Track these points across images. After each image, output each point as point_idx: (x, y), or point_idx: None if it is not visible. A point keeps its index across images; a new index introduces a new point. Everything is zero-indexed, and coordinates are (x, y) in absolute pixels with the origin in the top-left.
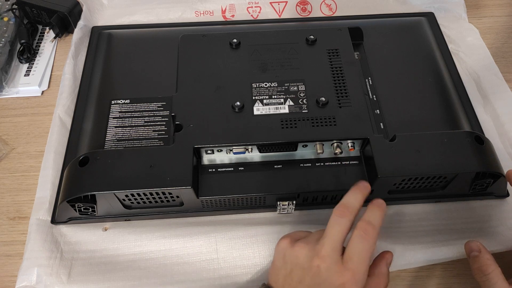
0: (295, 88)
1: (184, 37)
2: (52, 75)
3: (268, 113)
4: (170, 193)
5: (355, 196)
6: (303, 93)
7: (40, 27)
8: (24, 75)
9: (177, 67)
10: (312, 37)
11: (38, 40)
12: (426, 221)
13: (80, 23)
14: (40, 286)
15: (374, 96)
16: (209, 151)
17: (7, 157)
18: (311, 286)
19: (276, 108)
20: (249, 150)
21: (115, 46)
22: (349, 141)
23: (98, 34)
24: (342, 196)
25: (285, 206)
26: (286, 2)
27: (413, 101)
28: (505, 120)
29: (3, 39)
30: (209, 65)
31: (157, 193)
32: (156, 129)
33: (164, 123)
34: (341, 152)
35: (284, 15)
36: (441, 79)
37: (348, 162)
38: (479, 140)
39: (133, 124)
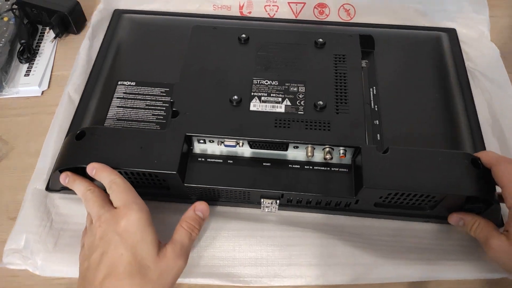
0: (295, 89)
1: (196, 28)
2: (52, 75)
3: (264, 110)
4: (156, 176)
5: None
6: (302, 94)
7: (40, 27)
8: (24, 75)
9: (184, 55)
10: (321, 40)
11: (38, 40)
12: (415, 238)
13: (100, 6)
14: (27, 252)
15: (376, 106)
16: (201, 141)
17: (7, 156)
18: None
19: (273, 107)
20: (240, 144)
21: (132, 29)
22: (341, 148)
23: (119, 17)
24: (327, 201)
25: (269, 205)
26: (304, 3)
27: (416, 115)
28: None
29: (3, 39)
30: (215, 57)
31: (144, 174)
32: (156, 113)
33: (164, 108)
34: (331, 158)
35: (301, 17)
36: (450, 96)
37: (337, 169)
38: (476, 164)
39: (135, 106)
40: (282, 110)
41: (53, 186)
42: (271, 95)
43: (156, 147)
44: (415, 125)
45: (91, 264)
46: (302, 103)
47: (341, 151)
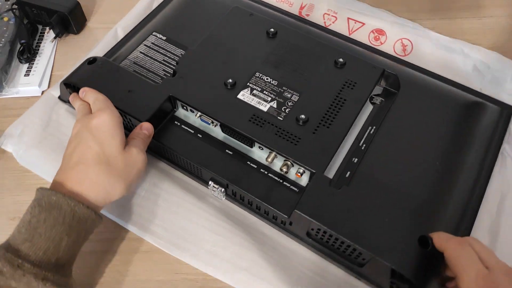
0: (289, 95)
1: (234, 9)
2: (52, 75)
3: (248, 102)
4: (130, 121)
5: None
6: (292, 103)
7: (40, 27)
8: (24, 75)
9: (211, 29)
10: (341, 60)
11: (38, 40)
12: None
13: None
14: (19, 140)
15: (364, 145)
16: (184, 107)
17: (7, 157)
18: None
19: (258, 103)
20: (214, 124)
21: None
22: (299, 166)
23: None
24: (265, 210)
25: (215, 189)
26: (363, 24)
27: (404, 172)
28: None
29: (3, 39)
30: (236, 40)
31: (123, 113)
32: (166, 69)
33: (174, 68)
34: (286, 172)
35: (355, 36)
36: (458, 171)
37: (288, 185)
38: (424, 242)
39: (153, 57)
40: (265, 109)
41: (62, 96)
42: (264, 92)
43: (141, 95)
44: (396, 179)
45: (65, 156)
46: (286, 110)
47: (300, 170)
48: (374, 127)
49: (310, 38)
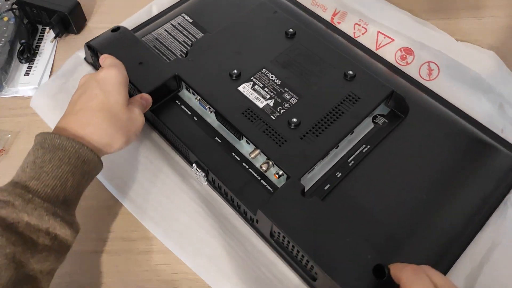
0: (288, 97)
1: (261, 4)
2: (52, 75)
3: (247, 95)
4: (134, 90)
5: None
6: (289, 105)
7: (40, 27)
8: (24, 75)
9: (234, 19)
10: (351, 72)
11: (38, 40)
12: None
13: None
14: (40, 87)
15: (352, 162)
16: (188, 88)
17: (6, 156)
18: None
19: (256, 98)
20: (210, 110)
21: None
22: (278, 168)
23: None
24: (238, 204)
25: (197, 172)
26: (392, 40)
27: (384, 199)
28: None
29: (3, 39)
30: (254, 33)
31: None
32: (183, 50)
33: (187, 49)
34: (265, 171)
35: (381, 52)
36: (444, 209)
37: (264, 184)
38: (379, 271)
39: (175, 37)
40: (261, 105)
41: (87, 57)
42: (265, 89)
43: (150, 69)
44: (373, 204)
45: (70, 103)
46: (281, 111)
47: (279, 172)
48: (368, 147)
49: (327, 45)
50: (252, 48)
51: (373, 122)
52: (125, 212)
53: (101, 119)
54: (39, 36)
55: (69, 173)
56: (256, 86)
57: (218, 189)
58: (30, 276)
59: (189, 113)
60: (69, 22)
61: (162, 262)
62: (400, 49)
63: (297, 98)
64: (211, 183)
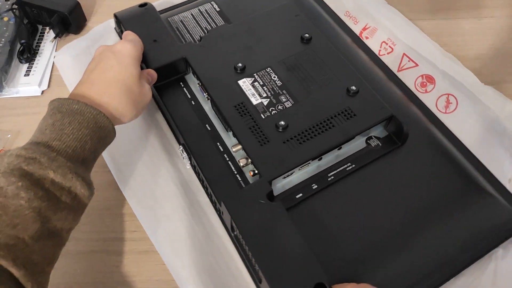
0: (283, 99)
1: (286, 5)
2: (52, 75)
3: (244, 90)
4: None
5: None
6: (283, 107)
7: (40, 27)
8: (24, 75)
9: (255, 14)
10: (354, 88)
11: (38, 40)
12: None
13: None
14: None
15: (332, 177)
16: (191, 72)
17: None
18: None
19: (252, 94)
20: (207, 97)
21: None
22: (254, 167)
23: None
24: (211, 192)
25: (181, 153)
26: (416, 65)
27: (352, 223)
28: None
29: (3, 39)
30: (269, 32)
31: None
32: (200, 34)
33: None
34: (243, 166)
35: (402, 75)
36: (414, 248)
37: (239, 179)
38: None
39: (198, 22)
40: (254, 102)
41: (116, 27)
42: (263, 87)
43: (161, 47)
44: (339, 226)
45: (86, 71)
46: (272, 112)
47: (255, 171)
48: (353, 166)
49: (339, 56)
50: (264, 45)
51: (366, 142)
52: (125, 212)
53: (117, 89)
54: (39, 36)
55: (88, 136)
56: (256, 83)
57: (197, 175)
58: (53, 232)
59: (189, 96)
60: (69, 22)
61: (162, 262)
62: (421, 76)
63: (292, 103)
64: (193, 168)
